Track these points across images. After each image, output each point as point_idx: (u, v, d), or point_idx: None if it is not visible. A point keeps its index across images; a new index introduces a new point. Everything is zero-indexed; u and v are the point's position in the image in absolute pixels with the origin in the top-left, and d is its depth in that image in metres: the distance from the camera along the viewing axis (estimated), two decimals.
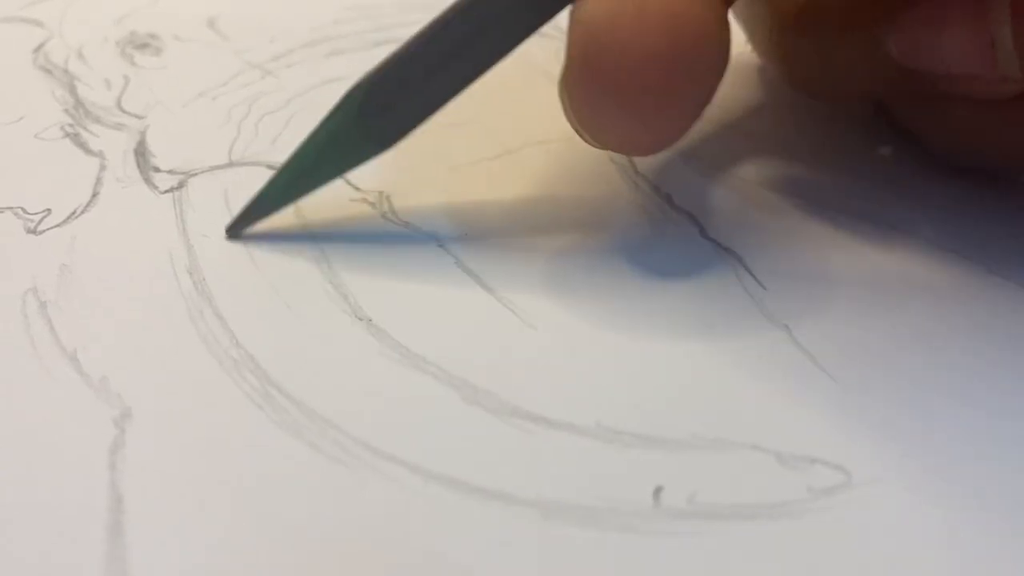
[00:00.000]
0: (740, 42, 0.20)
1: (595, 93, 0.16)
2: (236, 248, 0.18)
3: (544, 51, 0.23)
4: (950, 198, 0.19)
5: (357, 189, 0.19)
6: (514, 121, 0.21)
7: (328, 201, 0.19)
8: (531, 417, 0.15)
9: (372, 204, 0.19)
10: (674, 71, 0.15)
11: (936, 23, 0.17)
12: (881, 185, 0.19)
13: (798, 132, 0.21)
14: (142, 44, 0.23)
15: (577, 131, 0.17)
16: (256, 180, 0.18)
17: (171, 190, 0.19)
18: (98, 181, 0.20)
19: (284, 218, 0.18)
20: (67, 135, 0.21)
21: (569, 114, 0.17)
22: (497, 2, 0.16)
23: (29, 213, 0.19)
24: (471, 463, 0.15)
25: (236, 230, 0.18)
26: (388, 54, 0.17)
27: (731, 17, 0.17)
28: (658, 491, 0.14)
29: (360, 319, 0.17)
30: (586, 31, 0.16)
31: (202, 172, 0.20)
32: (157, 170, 0.20)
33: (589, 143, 0.17)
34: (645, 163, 0.20)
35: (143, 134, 0.21)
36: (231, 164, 0.20)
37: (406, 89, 0.17)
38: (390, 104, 0.17)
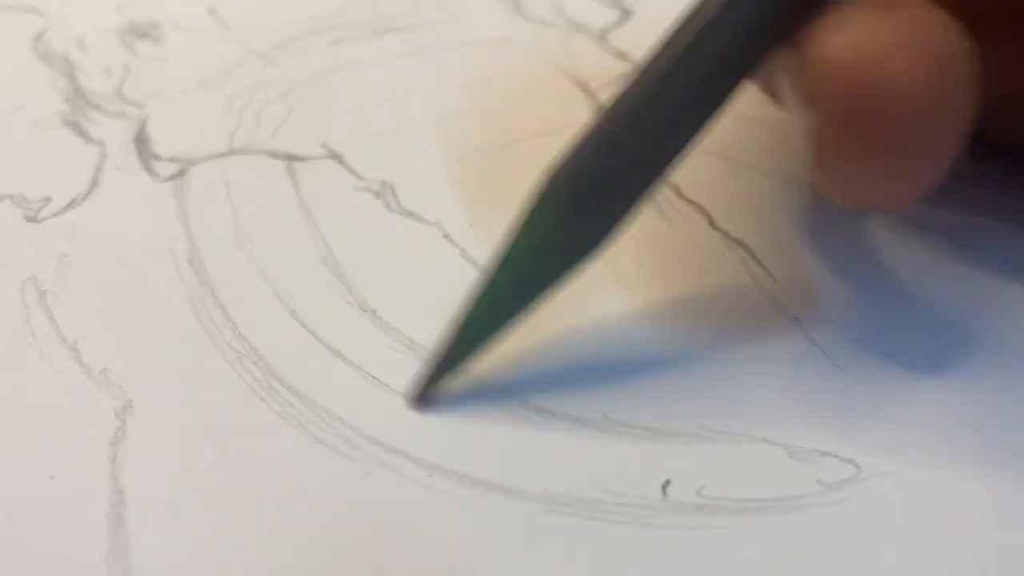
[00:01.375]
0: None
1: (864, 147, 0.13)
2: (237, 237, 0.18)
3: (550, 40, 0.22)
4: (960, 187, 0.19)
5: (360, 178, 0.19)
6: (521, 110, 0.21)
7: (331, 191, 0.19)
8: (537, 409, 0.15)
9: (376, 193, 0.19)
10: (947, 111, 0.13)
11: None
12: None
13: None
14: (142, 33, 0.23)
15: (824, 190, 0.14)
16: (257, 168, 0.18)
17: (172, 178, 0.19)
18: (98, 169, 0.19)
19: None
20: (67, 124, 0.21)
21: (824, 173, 0.14)
22: (713, 45, 0.14)
23: (29, 201, 0.19)
24: (476, 456, 0.15)
25: (425, 395, 0.15)
26: (585, 131, 0.14)
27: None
28: (666, 484, 0.14)
29: (364, 310, 0.17)
30: (847, 73, 0.13)
31: (203, 160, 0.20)
32: (157, 158, 0.20)
33: (838, 201, 0.15)
34: None
35: (143, 123, 0.21)
36: (232, 152, 0.20)
37: (623, 172, 0.14)
38: (605, 195, 0.14)
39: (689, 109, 0.14)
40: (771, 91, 0.16)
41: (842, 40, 0.13)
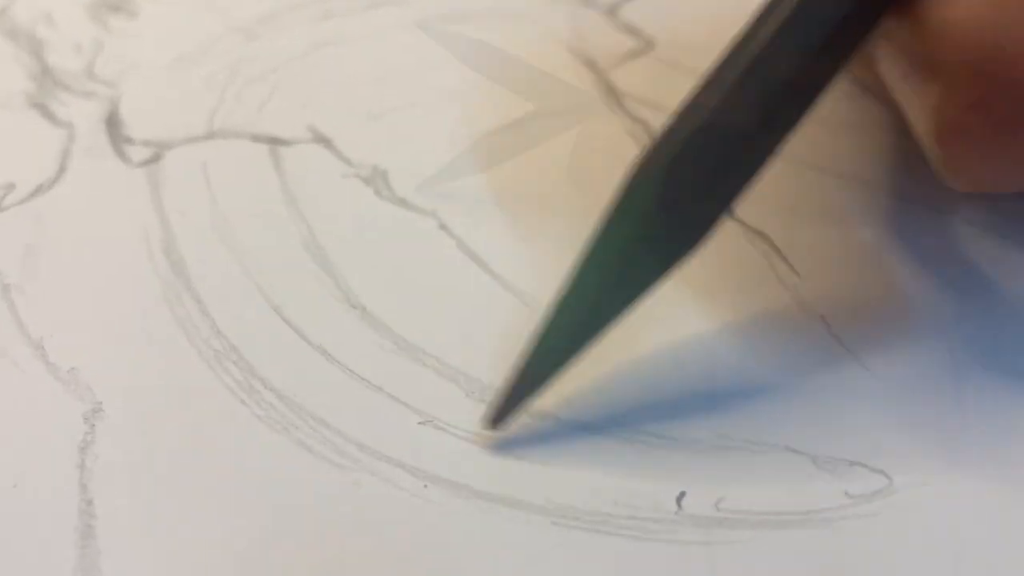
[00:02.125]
0: None
1: (997, 124, 0.12)
2: (216, 227, 0.18)
3: (557, 14, 0.22)
4: None
5: (349, 164, 0.19)
6: (524, 89, 0.20)
7: (317, 177, 0.18)
8: (540, 414, 0.15)
9: (366, 180, 0.18)
10: None
11: None
12: (924, 164, 0.18)
13: (830, 107, 0.20)
14: (115, 6, 0.23)
15: (942, 176, 0.14)
16: (238, 152, 0.18)
17: (145, 163, 0.19)
18: (66, 154, 0.19)
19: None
20: (33, 105, 0.20)
21: (945, 155, 0.13)
22: (813, 18, 0.13)
23: None
24: (475, 465, 0.14)
25: (503, 417, 0.14)
26: (673, 120, 0.14)
27: None
28: (681, 496, 0.14)
29: (353, 307, 0.16)
30: (977, 38, 0.12)
31: (179, 144, 0.19)
32: (130, 141, 0.19)
33: (958, 187, 0.14)
34: None
35: (115, 103, 0.20)
36: (211, 135, 0.20)
37: (721, 159, 0.13)
38: (702, 184, 0.13)
39: (787, 93, 0.13)
40: (863, 69, 0.15)
41: (973, 12, 0.12)
